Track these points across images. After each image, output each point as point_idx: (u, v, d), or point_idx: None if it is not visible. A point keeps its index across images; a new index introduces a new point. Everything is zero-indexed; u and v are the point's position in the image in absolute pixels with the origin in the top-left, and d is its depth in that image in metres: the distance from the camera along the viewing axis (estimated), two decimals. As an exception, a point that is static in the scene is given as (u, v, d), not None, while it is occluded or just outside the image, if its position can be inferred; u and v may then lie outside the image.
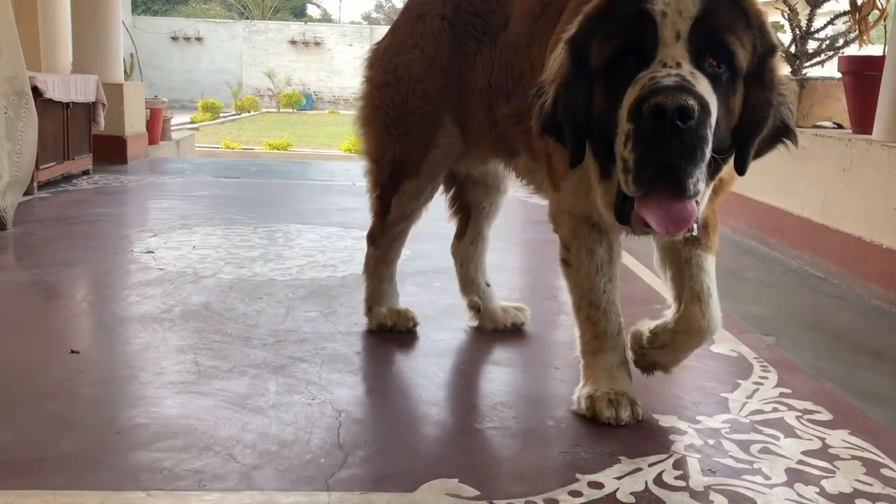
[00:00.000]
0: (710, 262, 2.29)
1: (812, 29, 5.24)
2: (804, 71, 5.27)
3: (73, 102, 6.39)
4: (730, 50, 1.73)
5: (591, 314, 2.29)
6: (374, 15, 47.72)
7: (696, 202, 1.81)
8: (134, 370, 2.60)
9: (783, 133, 1.90)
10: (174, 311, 3.21)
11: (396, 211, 2.91)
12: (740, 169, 1.89)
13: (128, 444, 2.11)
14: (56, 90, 5.97)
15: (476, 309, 3.09)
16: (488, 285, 3.12)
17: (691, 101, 1.62)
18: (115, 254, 4.17)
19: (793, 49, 5.25)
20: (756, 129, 1.84)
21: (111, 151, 7.55)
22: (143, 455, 2.05)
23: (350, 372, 2.64)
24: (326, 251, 4.37)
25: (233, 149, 16.34)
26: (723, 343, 3.03)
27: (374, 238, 3.02)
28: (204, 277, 3.71)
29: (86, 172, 6.88)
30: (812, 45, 5.27)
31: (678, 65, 1.69)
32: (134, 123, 8.02)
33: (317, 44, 30.86)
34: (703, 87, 1.68)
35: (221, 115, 24.64)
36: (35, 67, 6.67)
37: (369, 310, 3.05)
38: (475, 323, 3.10)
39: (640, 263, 4.13)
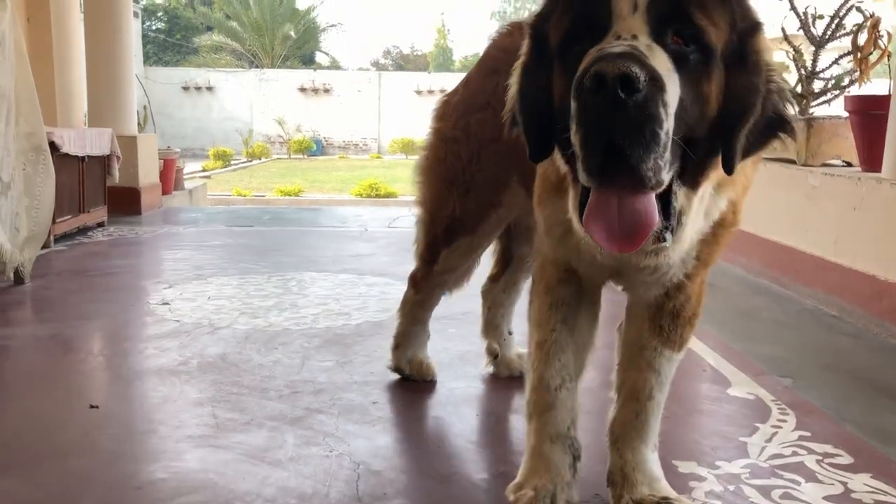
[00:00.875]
0: (666, 362, 1.97)
1: (817, 69, 5.30)
2: (811, 110, 5.32)
3: (88, 156, 6.50)
4: (696, 25, 1.46)
5: (535, 357, 2.06)
6: (382, 61, 48.45)
7: (666, 211, 1.54)
8: (153, 424, 2.62)
9: (777, 125, 1.59)
10: (191, 364, 3.23)
11: (445, 263, 2.82)
12: (727, 166, 1.57)
13: (148, 500, 2.12)
14: (72, 145, 6.08)
15: (494, 355, 3.09)
16: (510, 333, 3.12)
17: (635, 69, 1.35)
18: (132, 306, 4.21)
19: (799, 89, 5.30)
20: (741, 118, 1.54)
21: (126, 203, 7.65)
22: (165, 512, 2.05)
23: (367, 423, 2.64)
24: (340, 299, 4.39)
25: (244, 196, 16.50)
26: (740, 385, 3.03)
27: (416, 282, 2.95)
28: (220, 328, 3.73)
29: (101, 224, 6.97)
30: (818, 85, 5.33)
31: (634, 37, 1.44)
32: (148, 174, 8.14)
33: (326, 90, 31.30)
34: (660, 60, 1.42)
35: (233, 162, 24.93)
36: (51, 122, 6.81)
37: (395, 347, 3.03)
38: (490, 369, 3.11)
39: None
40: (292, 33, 37.00)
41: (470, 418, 2.73)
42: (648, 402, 1.97)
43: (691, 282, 1.87)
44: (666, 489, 1.99)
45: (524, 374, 3.02)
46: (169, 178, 9.09)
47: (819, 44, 5.26)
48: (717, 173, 1.63)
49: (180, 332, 3.68)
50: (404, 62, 47.01)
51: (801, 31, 5.32)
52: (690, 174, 1.55)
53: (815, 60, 5.29)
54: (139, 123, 8.76)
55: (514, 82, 1.75)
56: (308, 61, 40.91)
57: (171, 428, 2.58)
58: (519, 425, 2.69)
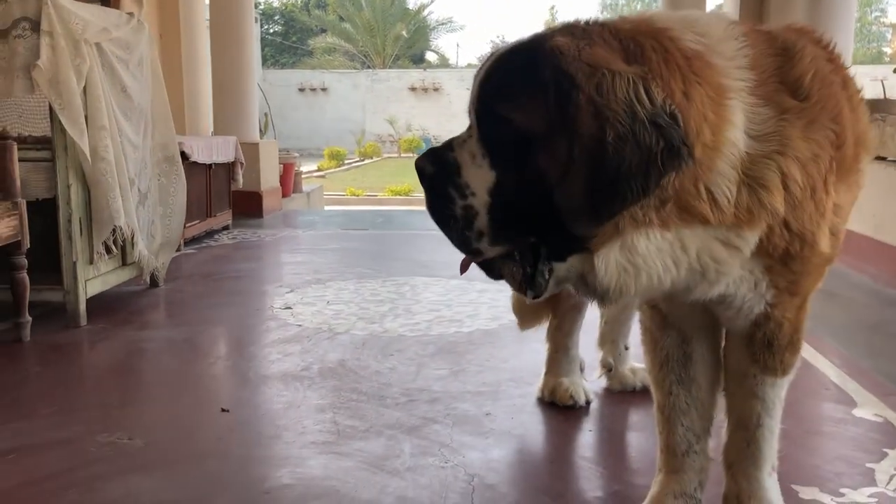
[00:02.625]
0: (770, 388, 1.90)
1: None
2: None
3: (214, 163, 6.86)
4: (498, 116, 1.54)
5: (659, 419, 2.04)
6: (491, 57, 48.32)
7: (529, 274, 1.61)
8: (278, 429, 2.77)
9: (646, 165, 1.44)
10: (313, 369, 3.38)
11: None
12: (575, 229, 1.52)
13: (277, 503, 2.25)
14: (200, 153, 6.43)
15: (608, 369, 3.09)
16: (626, 348, 3.10)
17: (423, 163, 1.62)
18: (256, 310, 4.43)
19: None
20: (588, 176, 1.45)
21: (248, 206, 8.02)
22: (292, 516, 2.18)
23: (481, 434, 2.70)
24: (452, 305, 4.48)
25: (358, 195, 16.94)
26: (866, 406, 2.91)
27: (553, 307, 2.94)
28: (339, 334, 3.89)
29: (226, 228, 7.34)
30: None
31: (469, 129, 1.63)
32: (269, 179, 8.50)
33: (435, 89, 31.62)
34: (467, 150, 1.59)
35: (346, 162, 25.59)
36: (181, 132, 7.22)
37: (544, 373, 3.03)
38: (604, 383, 3.11)
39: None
40: (404, 33, 37.53)
41: (583, 433, 2.75)
42: (758, 430, 1.91)
43: (778, 311, 1.79)
44: None
45: (637, 389, 3.04)
46: (288, 181, 9.46)
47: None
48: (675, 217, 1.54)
49: (302, 336, 3.86)
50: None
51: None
52: (557, 243, 1.57)
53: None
54: (260, 130, 9.16)
55: None
56: (418, 60, 41.44)
57: (296, 434, 2.72)
58: (634, 442, 2.69)
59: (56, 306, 4.13)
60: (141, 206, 4.57)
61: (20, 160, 3.80)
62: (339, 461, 2.51)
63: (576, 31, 1.53)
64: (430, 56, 43.75)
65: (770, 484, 1.97)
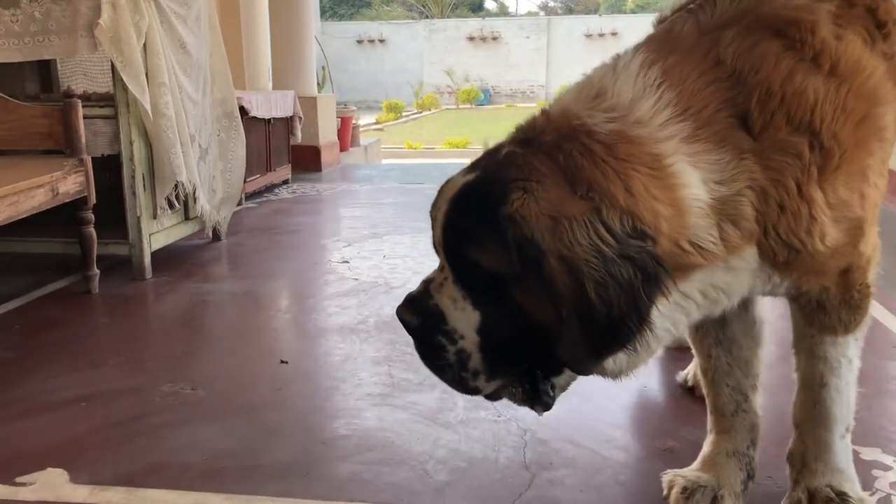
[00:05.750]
0: (831, 347, 1.82)
1: None
2: None
3: (273, 118, 6.92)
4: (469, 262, 1.51)
5: (704, 382, 2.05)
6: (552, 4, 47.44)
7: (533, 395, 1.64)
8: (335, 381, 2.82)
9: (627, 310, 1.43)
10: (369, 322, 3.43)
11: None
12: (579, 367, 1.55)
13: (332, 455, 2.31)
14: (259, 108, 6.49)
15: None
16: None
17: (406, 316, 1.61)
18: (315, 264, 4.50)
19: None
20: (583, 330, 1.44)
21: (307, 161, 8.10)
22: (346, 466, 2.24)
23: (534, 389, 2.70)
24: (508, 259, 4.46)
25: (415, 148, 16.93)
26: (935, 366, 2.82)
27: None
28: (394, 288, 3.92)
29: (285, 182, 7.43)
30: None
31: (442, 269, 1.59)
32: (326, 133, 8.54)
33: (494, 38, 31.18)
34: (447, 293, 1.56)
35: (404, 114, 25.55)
36: (240, 87, 7.29)
37: None
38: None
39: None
40: (462, -19, 36.99)
41: (637, 390, 2.73)
42: (822, 391, 1.85)
43: (809, 286, 1.73)
44: (847, 483, 1.87)
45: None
46: (346, 135, 9.50)
47: None
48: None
49: (359, 290, 3.91)
50: (574, 4, 45.76)
51: None
52: (551, 364, 1.59)
53: None
54: (318, 83, 9.18)
55: None
56: (477, 9, 40.84)
57: (352, 385, 2.77)
58: (688, 403, 2.66)
59: (122, 260, 4.26)
60: (202, 161, 4.65)
61: (85, 117, 3.89)
62: (394, 413, 2.55)
63: (522, 167, 1.47)
64: (489, 4, 43.07)
65: (840, 447, 1.88)
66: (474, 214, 1.50)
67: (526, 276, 1.45)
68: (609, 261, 1.40)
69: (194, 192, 4.45)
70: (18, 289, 4.00)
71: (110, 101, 4.11)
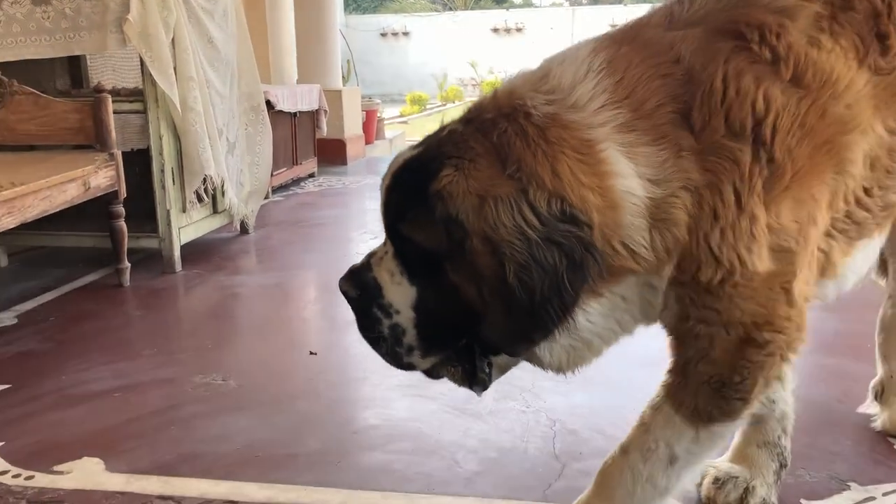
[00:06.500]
0: (658, 417, 1.67)
1: None
2: None
3: (299, 112, 6.95)
4: (403, 237, 1.53)
5: None
6: (576, -5, 47.04)
7: (472, 375, 1.63)
8: (365, 372, 2.84)
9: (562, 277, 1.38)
10: (396, 314, 3.44)
11: None
12: (506, 349, 1.54)
13: (364, 445, 2.33)
14: (285, 102, 6.52)
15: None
16: None
17: (346, 287, 1.62)
18: (343, 256, 4.53)
19: None
20: (506, 312, 1.42)
21: (332, 154, 8.13)
22: (378, 456, 2.25)
23: (561, 380, 2.68)
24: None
25: (440, 141, 16.88)
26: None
27: None
28: (421, 279, 3.93)
29: (311, 175, 7.47)
30: None
31: (385, 243, 1.60)
32: (352, 126, 8.57)
33: (518, 30, 30.99)
34: (385, 268, 1.57)
35: (428, 106, 25.51)
36: (265, 81, 7.33)
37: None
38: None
39: None
40: (485, -27, 36.86)
41: (667, 380, 2.72)
42: None
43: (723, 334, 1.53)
44: None
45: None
46: (371, 128, 9.52)
47: None
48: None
49: (386, 282, 3.92)
50: (599, -5, 45.38)
51: None
52: (486, 345, 1.56)
53: None
54: (343, 76, 9.20)
55: None
56: (500, 0, 40.68)
57: (382, 376, 2.78)
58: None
59: (152, 253, 4.32)
60: (230, 155, 4.69)
61: (114, 112, 3.94)
62: (424, 404, 2.57)
63: (458, 144, 1.47)
64: (513, -4, 42.85)
65: None
66: (410, 190, 1.50)
67: (455, 254, 1.44)
68: (533, 244, 1.37)
69: (222, 186, 4.49)
70: (52, 282, 4.07)
71: (139, 96, 4.15)
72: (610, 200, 1.42)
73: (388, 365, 1.65)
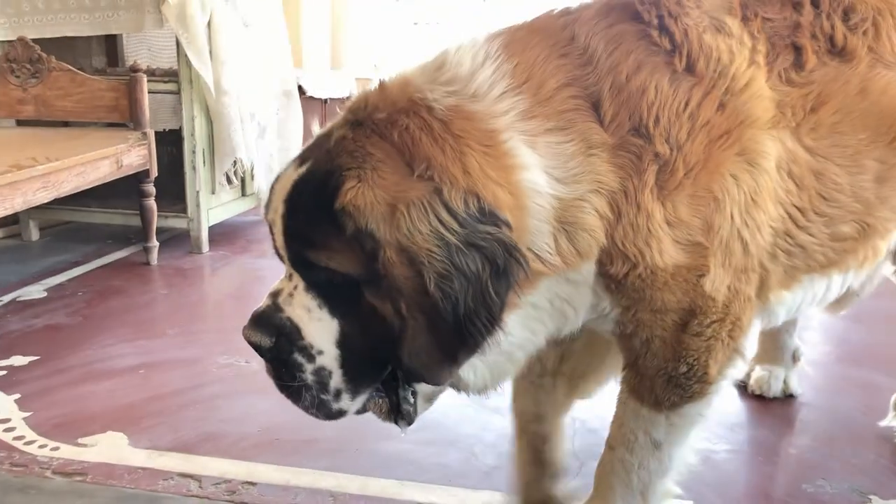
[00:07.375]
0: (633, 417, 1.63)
1: None
2: None
3: (330, 98, 6.96)
4: (314, 265, 1.37)
5: None
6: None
7: (397, 410, 1.51)
8: (386, 361, 2.85)
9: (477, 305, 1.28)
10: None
11: None
12: (430, 374, 1.37)
13: (382, 434, 2.32)
14: (316, 88, 6.54)
15: None
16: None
17: (255, 337, 1.41)
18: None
19: None
20: (429, 329, 1.31)
21: (361, 141, 8.14)
22: (395, 445, 2.26)
23: (584, 378, 2.70)
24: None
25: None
26: None
27: None
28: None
29: (339, 161, 7.48)
30: None
31: (290, 277, 1.42)
32: (381, 114, 8.57)
33: (551, 24, 30.93)
34: (299, 304, 1.39)
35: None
36: (298, 66, 7.35)
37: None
38: None
39: None
40: (520, -35, 36.72)
41: (688, 383, 2.70)
42: (610, 452, 1.69)
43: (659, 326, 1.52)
44: None
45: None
46: (400, 116, 9.52)
47: None
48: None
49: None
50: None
51: None
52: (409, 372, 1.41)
53: None
54: (374, 64, 9.20)
55: None
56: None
57: (402, 366, 2.79)
58: (741, 398, 2.63)
59: (180, 233, 4.36)
60: (260, 138, 4.72)
61: (148, 92, 3.97)
62: (444, 396, 2.56)
63: (353, 152, 1.33)
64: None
65: None
66: (311, 214, 1.34)
67: (372, 274, 1.30)
68: (454, 250, 1.25)
69: (252, 169, 4.52)
70: (81, 257, 4.13)
71: (174, 77, 4.18)
72: (518, 200, 1.33)
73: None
